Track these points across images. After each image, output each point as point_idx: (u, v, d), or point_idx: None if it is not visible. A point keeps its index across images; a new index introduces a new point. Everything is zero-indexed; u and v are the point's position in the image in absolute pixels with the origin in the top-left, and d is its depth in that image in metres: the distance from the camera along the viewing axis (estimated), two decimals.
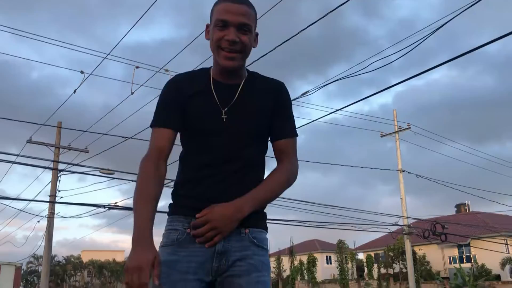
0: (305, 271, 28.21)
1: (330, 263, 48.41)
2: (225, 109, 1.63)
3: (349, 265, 32.37)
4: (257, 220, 1.64)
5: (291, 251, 26.37)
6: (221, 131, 1.62)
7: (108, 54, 11.33)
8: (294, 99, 8.84)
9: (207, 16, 1.70)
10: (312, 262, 27.91)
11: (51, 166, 15.76)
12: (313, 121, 11.11)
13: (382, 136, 20.69)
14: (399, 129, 20.21)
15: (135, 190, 1.55)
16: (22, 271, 52.12)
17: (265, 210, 1.69)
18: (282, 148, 1.70)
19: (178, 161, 1.73)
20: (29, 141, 16.65)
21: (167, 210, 1.69)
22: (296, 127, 1.77)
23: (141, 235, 1.44)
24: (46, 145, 17.04)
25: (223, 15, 1.60)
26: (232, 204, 1.54)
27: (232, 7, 1.60)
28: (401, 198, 19.43)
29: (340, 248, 27.02)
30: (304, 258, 28.63)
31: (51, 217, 15.97)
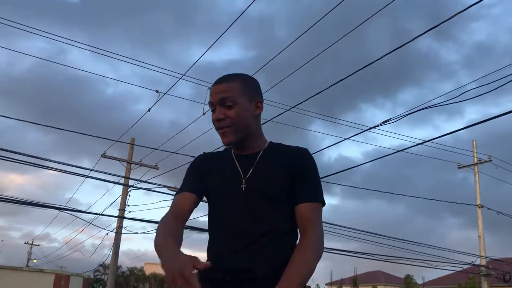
0: None
1: None
2: (245, 179, 1.65)
3: None
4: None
5: (355, 282, 25.29)
6: (240, 200, 1.62)
7: (184, 74, 11.53)
8: (374, 127, 8.42)
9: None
10: None
11: (122, 181, 16.22)
12: (400, 151, 10.58)
13: (459, 168, 19.42)
14: (478, 161, 18.89)
15: (156, 245, 1.47)
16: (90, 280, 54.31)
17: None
18: (302, 214, 1.61)
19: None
20: (104, 155, 17.33)
21: None
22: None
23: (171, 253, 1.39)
24: (119, 160, 17.66)
25: (210, 98, 1.70)
26: None
27: (213, 89, 1.70)
28: (478, 236, 18.00)
29: (408, 283, 25.55)
30: None
31: (119, 232, 16.39)
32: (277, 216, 1.62)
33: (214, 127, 1.74)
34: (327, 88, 7.60)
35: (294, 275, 1.43)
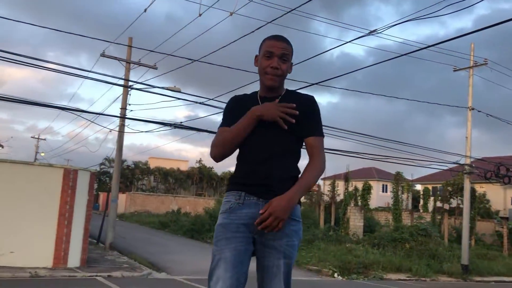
0: (359, 197, 28.60)
1: (386, 192, 48.75)
2: None
3: (405, 196, 32.45)
4: None
5: (346, 177, 26.66)
6: (264, 130, 2.14)
7: None
8: (376, 32, 8.51)
9: None
10: (367, 189, 28.12)
11: (122, 83, 16.54)
12: (403, 55, 10.73)
13: (455, 71, 19.57)
14: (474, 64, 18.99)
15: (224, 140, 2.15)
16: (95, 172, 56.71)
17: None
18: (312, 144, 2.19)
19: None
20: (103, 55, 17.45)
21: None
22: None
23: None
24: (118, 60, 17.79)
25: (270, 48, 2.19)
26: (285, 197, 1.97)
27: (277, 43, 2.20)
28: (466, 137, 18.75)
29: (397, 180, 26.95)
30: (360, 185, 28.94)
31: (121, 131, 17.10)
32: (287, 142, 2.17)
33: (259, 68, 2.22)
34: None
35: (299, 186, 2.05)
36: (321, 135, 2.24)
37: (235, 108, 2.24)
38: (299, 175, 2.14)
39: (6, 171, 11.16)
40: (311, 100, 2.26)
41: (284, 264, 2.06)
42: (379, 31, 9.42)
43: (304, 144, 2.23)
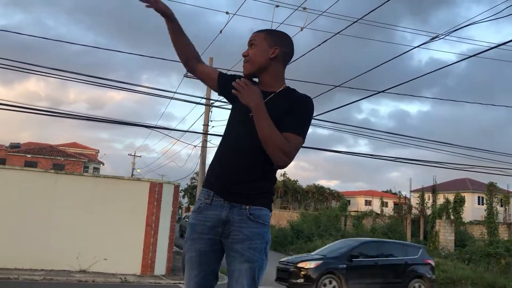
0: (450, 210, 27.15)
1: (482, 204, 45.45)
2: None
3: (503, 208, 30.15)
4: (258, 199, 2.06)
5: (433, 189, 25.51)
6: (246, 125, 2.03)
7: None
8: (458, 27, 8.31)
9: None
10: (459, 201, 26.65)
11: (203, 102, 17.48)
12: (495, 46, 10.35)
13: None
14: None
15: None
16: (186, 186, 59.22)
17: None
18: (287, 139, 2.00)
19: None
20: (186, 75, 18.60)
21: None
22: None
23: None
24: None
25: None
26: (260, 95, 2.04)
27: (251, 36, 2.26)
28: None
29: (491, 190, 25.22)
30: (452, 197, 27.47)
31: (204, 146, 18.04)
32: None
33: None
34: None
35: (272, 123, 1.97)
36: (300, 134, 2.04)
37: (230, 79, 2.22)
38: (269, 176, 2.10)
39: (101, 185, 12.32)
40: (303, 99, 2.12)
41: (247, 268, 1.99)
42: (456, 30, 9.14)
43: None
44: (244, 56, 2.19)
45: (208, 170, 2.20)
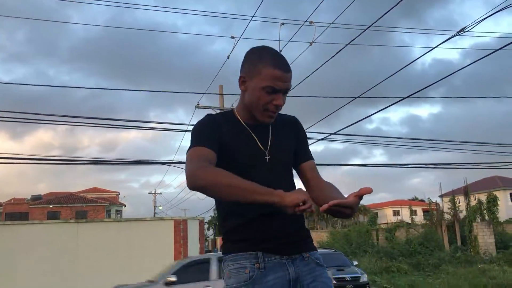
0: (484, 211, 26.09)
1: None
2: (267, 150, 1.80)
3: None
4: (310, 240, 1.84)
5: (466, 191, 24.51)
6: (266, 170, 1.77)
7: (253, 16, 11.60)
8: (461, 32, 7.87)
9: None
10: (492, 201, 25.65)
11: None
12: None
13: None
14: None
15: (216, 183, 1.55)
16: (210, 218, 58.74)
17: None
18: (312, 167, 1.92)
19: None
20: (197, 106, 18.35)
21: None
22: None
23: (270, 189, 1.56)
24: (212, 109, 18.59)
25: (275, 82, 1.71)
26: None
27: (284, 76, 1.72)
28: None
29: None
30: (484, 197, 26.46)
31: None
32: (290, 178, 1.89)
33: (255, 99, 1.74)
34: None
35: (341, 194, 1.75)
36: (313, 158, 1.98)
37: (214, 128, 1.76)
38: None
39: (124, 229, 11.92)
40: (298, 123, 2.00)
41: None
42: (467, 29, 8.64)
43: (297, 170, 1.94)
44: (280, 105, 1.75)
45: (234, 228, 1.74)
